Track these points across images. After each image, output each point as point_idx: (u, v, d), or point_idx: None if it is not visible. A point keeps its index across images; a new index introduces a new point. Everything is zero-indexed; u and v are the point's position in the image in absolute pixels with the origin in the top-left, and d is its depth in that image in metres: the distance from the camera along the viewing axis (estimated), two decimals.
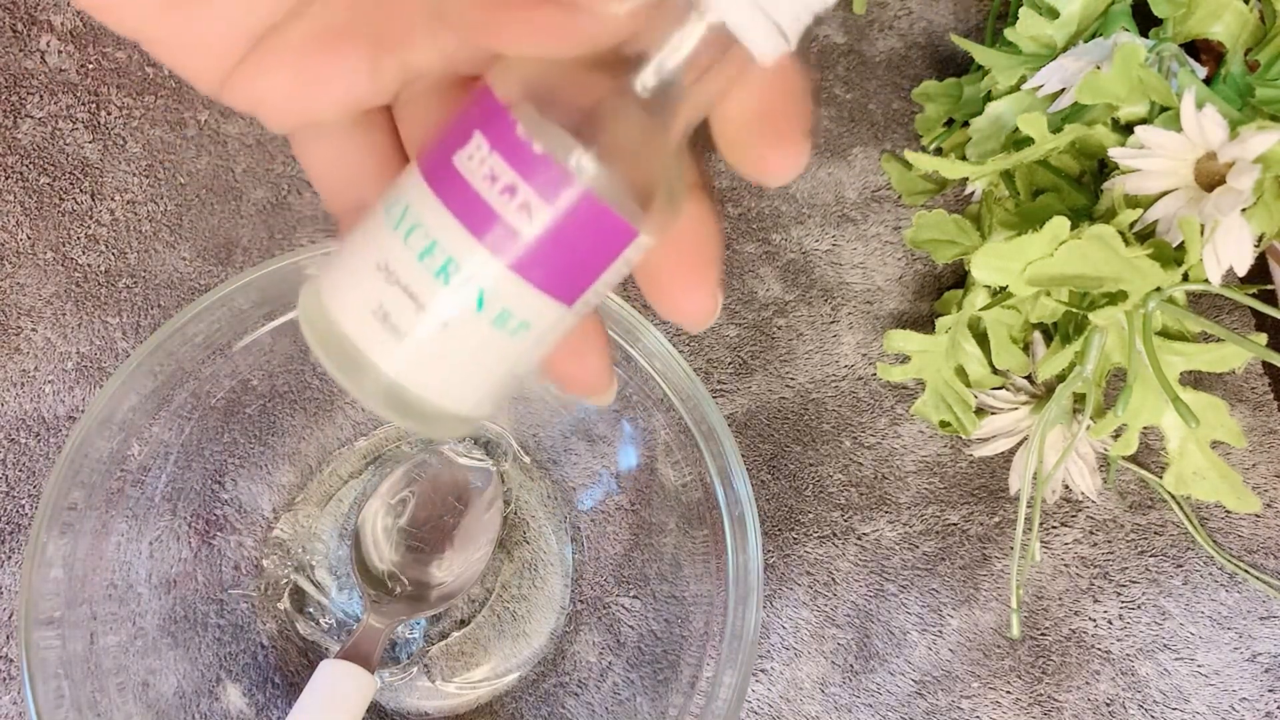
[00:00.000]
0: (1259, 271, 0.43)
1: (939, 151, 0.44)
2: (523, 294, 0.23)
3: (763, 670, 0.40)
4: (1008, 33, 0.40)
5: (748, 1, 0.21)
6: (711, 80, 0.22)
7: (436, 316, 0.23)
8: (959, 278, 0.45)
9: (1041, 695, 0.40)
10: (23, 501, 0.40)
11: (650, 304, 0.26)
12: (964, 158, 0.41)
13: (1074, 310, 0.36)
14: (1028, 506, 0.39)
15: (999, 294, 0.39)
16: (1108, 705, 0.40)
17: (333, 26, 0.26)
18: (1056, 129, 0.37)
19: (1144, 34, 0.38)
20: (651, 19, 0.22)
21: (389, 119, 0.28)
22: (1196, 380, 0.42)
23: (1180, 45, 0.38)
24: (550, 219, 0.22)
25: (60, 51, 0.44)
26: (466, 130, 0.22)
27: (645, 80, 0.22)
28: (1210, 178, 0.35)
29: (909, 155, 0.38)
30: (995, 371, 0.41)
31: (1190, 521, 0.42)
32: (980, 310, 0.40)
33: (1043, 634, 0.41)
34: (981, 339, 0.41)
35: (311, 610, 0.39)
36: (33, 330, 0.41)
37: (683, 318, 0.26)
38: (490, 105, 0.22)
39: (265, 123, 0.28)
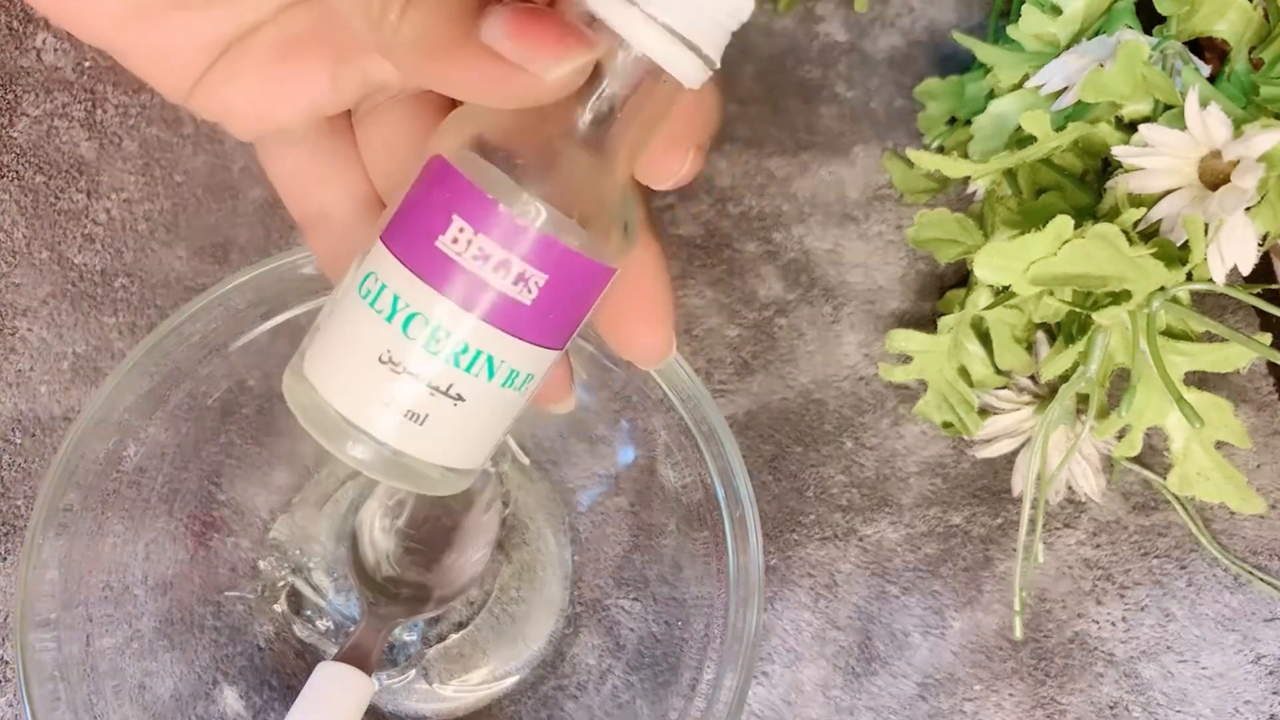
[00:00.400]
0: (1263, 271, 0.43)
1: (941, 150, 0.44)
2: (528, 353, 0.24)
3: (764, 673, 0.40)
4: (1010, 30, 0.40)
5: (664, 33, 0.22)
6: (649, 110, 0.23)
7: (453, 396, 0.24)
8: (961, 277, 0.45)
9: (1044, 698, 0.40)
10: (18, 502, 0.40)
11: (608, 341, 0.27)
12: (967, 156, 0.41)
13: (1077, 310, 0.36)
14: (1031, 508, 0.39)
15: (1002, 293, 0.38)
16: (1111, 708, 0.40)
17: (295, 37, 0.27)
18: (1059, 127, 0.37)
19: (1147, 32, 0.38)
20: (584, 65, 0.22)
21: (350, 127, 0.28)
22: (1201, 380, 0.41)
23: (1184, 43, 0.38)
24: (546, 284, 0.23)
25: (56, 49, 0.44)
26: (443, 214, 0.23)
27: (590, 122, 0.23)
28: (1214, 176, 0.34)
29: (911, 154, 0.38)
30: (998, 372, 0.41)
31: (1194, 523, 0.42)
32: (983, 310, 0.40)
33: (1046, 636, 0.41)
34: (984, 339, 0.41)
35: (309, 612, 0.39)
36: (28, 330, 0.41)
37: (640, 355, 0.27)
38: (461, 185, 0.23)
39: (232, 130, 0.28)
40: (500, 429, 0.26)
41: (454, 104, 0.25)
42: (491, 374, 0.24)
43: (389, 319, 0.23)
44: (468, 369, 0.24)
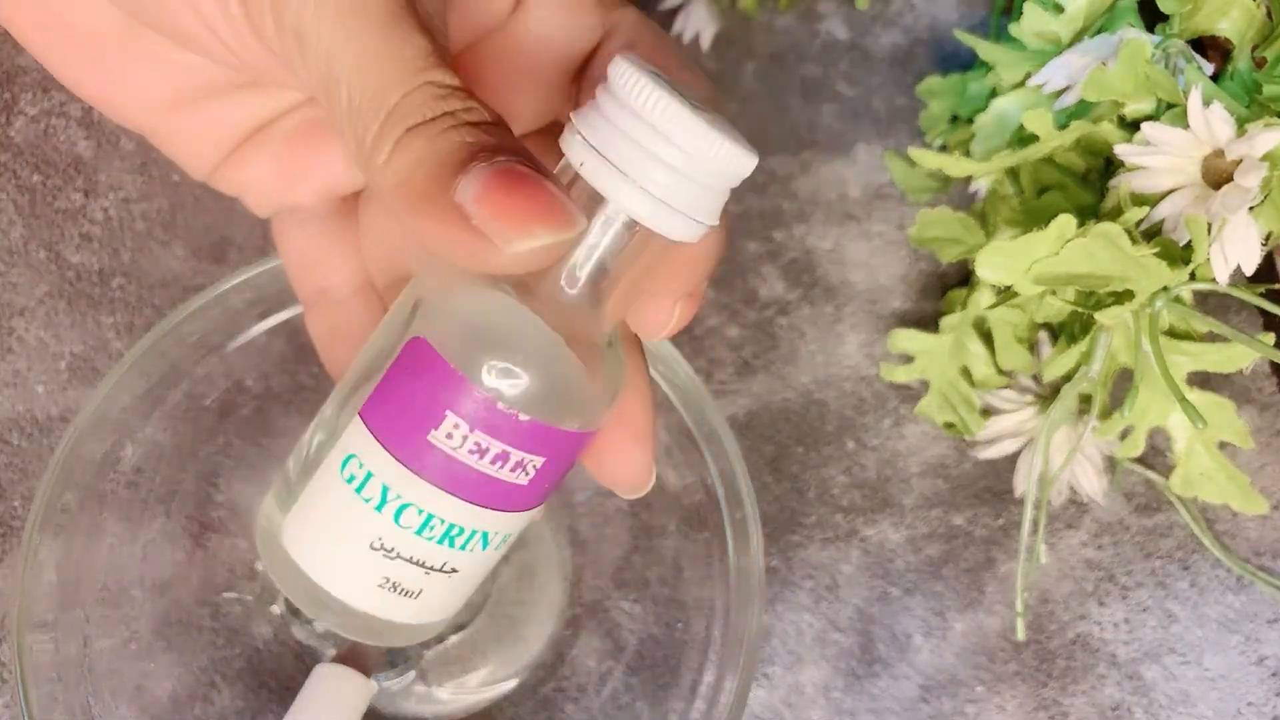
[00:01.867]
0: (1267, 270, 0.43)
1: (943, 148, 0.44)
2: (520, 520, 0.24)
3: (764, 675, 0.40)
4: (1012, 28, 0.39)
5: (652, 200, 0.21)
6: (642, 266, 0.22)
7: (447, 571, 0.24)
8: (964, 276, 0.44)
9: (1047, 699, 0.40)
10: (15, 503, 0.40)
11: (587, 468, 0.26)
12: (969, 155, 0.41)
13: (1080, 310, 0.36)
14: (1033, 509, 0.39)
15: (1004, 293, 0.38)
16: (1114, 710, 0.40)
17: (315, 121, 0.27)
18: (1062, 126, 0.37)
19: (1150, 30, 0.38)
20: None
21: (355, 202, 0.29)
22: (1203, 381, 0.41)
23: (1187, 41, 0.37)
24: (543, 464, 0.23)
25: None
26: (434, 406, 0.22)
27: (582, 282, 0.22)
28: (1217, 175, 0.34)
29: (913, 152, 0.38)
30: (1000, 372, 0.41)
31: (1197, 524, 0.42)
32: (985, 310, 0.40)
33: (1048, 638, 0.41)
34: (986, 339, 0.41)
35: (306, 614, 0.39)
36: (25, 330, 0.41)
37: (618, 485, 0.26)
38: (452, 379, 0.22)
39: (249, 206, 0.29)
40: (477, 585, 0.26)
41: None
42: (485, 545, 0.24)
43: (379, 508, 0.23)
44: (463, 548, 0.23)
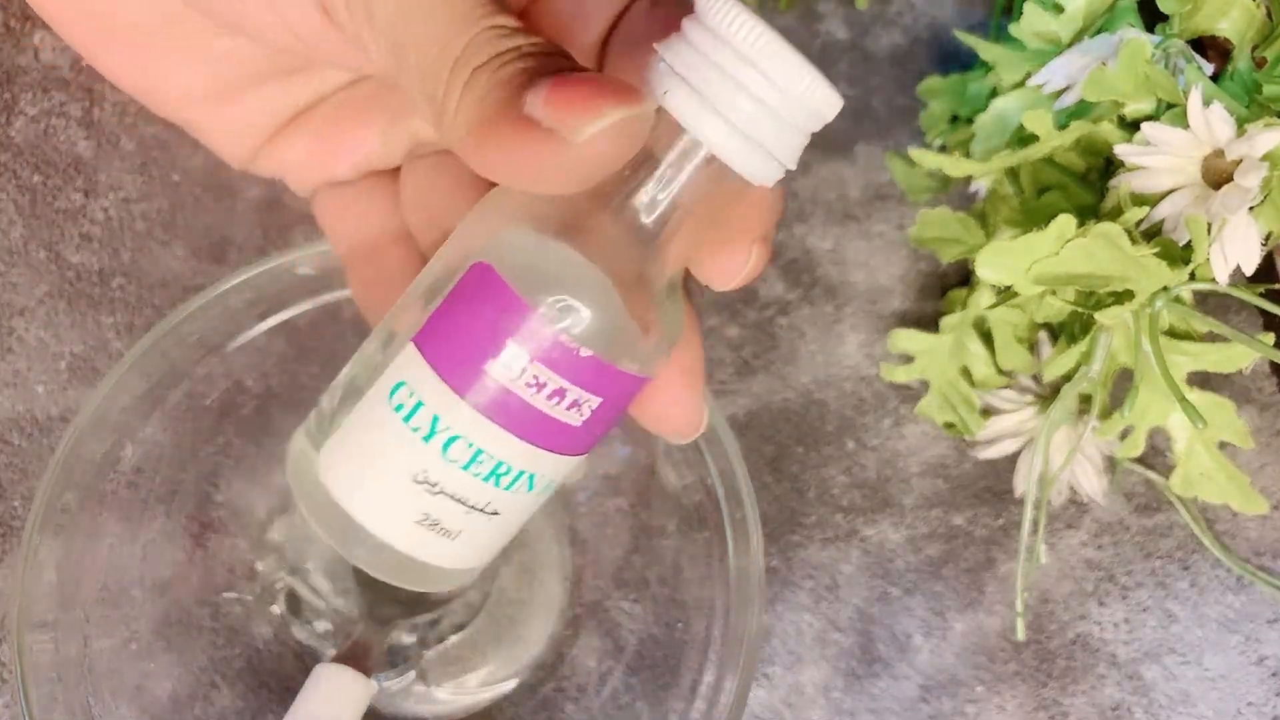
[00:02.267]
0: (1267, 270, 0.43)
1: (943, 148, 0.44)
2: (566, 464, 0.24)
3: (764, 675, 0.40)
4: (1012, 28, 0.39)
5: (737, 134, 0.20)
6: (713, 208, 0.22)
7: (490, 512, 0.23)
8: (964, 276, 0.44)
9: (1047, 700, 0.40)
10: (15, 503, 0.40)
11: (635, 415, 0.25)
12: (969, 155, 0.41)
13: (1080, 310, 0.36)
14: (1033, 509, 0.39)
15: (1004, 293, 0.38)
16: (1114, 710, 0.40)
17: (351, 102, 0.28)
18: (1062, 126, 0.37)
19: (1150, 30, 0.38)
20: (639, 156, 0.21)
21: (394, 172, 0.29)
22: (1203, 381, 0.41)
23: (1187, 41, 0.37)
24: (599, 405, 0.22)
25: (54, 48, 0.44)
26: (494, 335, 0.21)
27: (649, 221, 0.21)
28: (1217, 175, 0.34)
29: (913, 152, 0.38)
30: (1000, 372, 0.41)
31: (1197, 524, 0.42)
32: (985, 310, 0.40)
33: (1048, 638, 0.41)
34: (986, 339, 0.41)
35: (307, 614, 0.39)
36: (25, 330, 0.41)
37: (669, 429, 0.26)
38: (515, 306, 0.21)
39: (290, 185, 0.29)
40: (514, 532, 0.25)
41: None
42: (530, 488, 0.23)
43: (426, 439, 0.22)
44: (508, 487, 0.23)
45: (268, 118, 0.27)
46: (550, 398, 0.22)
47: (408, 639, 0.39)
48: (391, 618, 0.37)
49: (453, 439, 0.22)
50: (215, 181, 0.43)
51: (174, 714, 0.36)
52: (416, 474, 0.22)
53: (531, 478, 0.23)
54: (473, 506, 0.23)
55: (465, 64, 0.20)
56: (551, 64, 0.20)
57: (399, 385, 0.22)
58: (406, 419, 0.22)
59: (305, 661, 0.38)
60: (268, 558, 0.39)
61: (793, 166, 0.21)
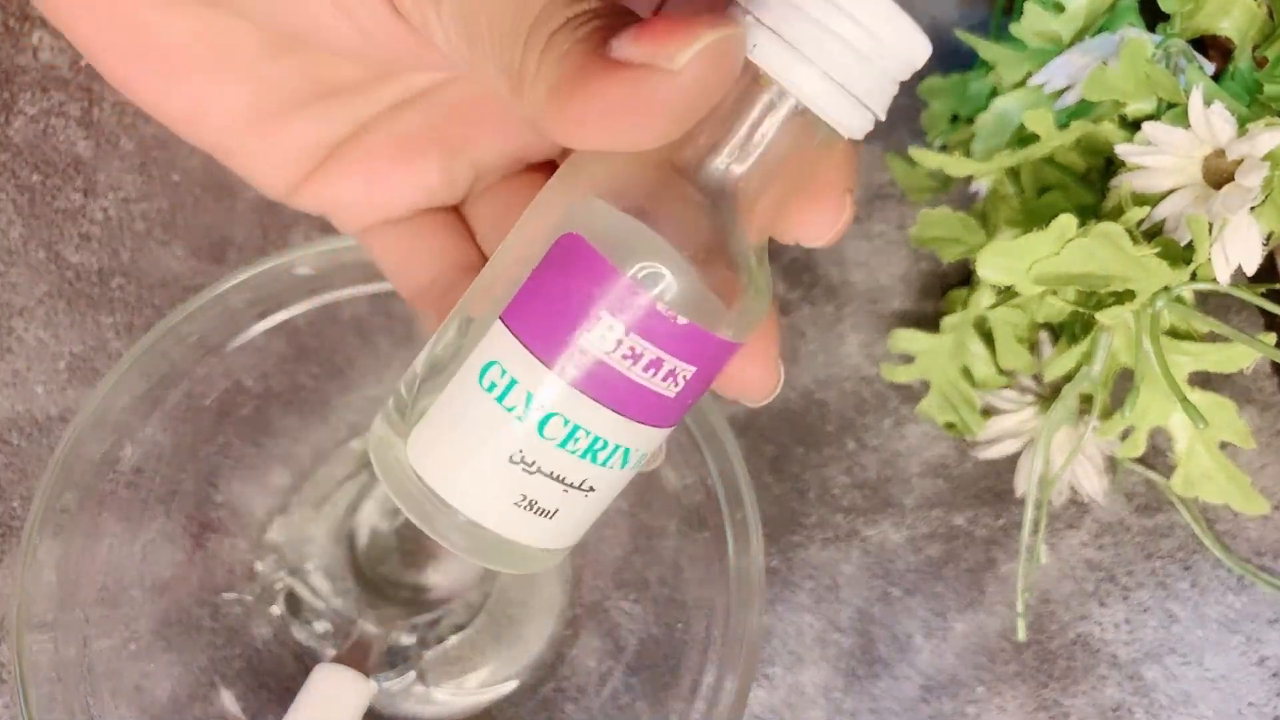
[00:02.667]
0: (1268, 270, 0.42)
1: (944, 148, 0.44)
2: (659, 437, 0.23)
3: (765, 675, 0.40)
4: (1012, 28, 0.39)
5: (829, 83, 0.19)
6: (804, 163, 0.21)
7: (586, 490, 0.23)
8: (964, 276, 0.44)
9: (1047, 700, 0.40)
10: (14, 504, 0.39)
11: (715, 387, 0.25)
12: (969, 154, 0.41)
13: (1080, 310, 0.36)
14: (1034, 509, 0.39)
15: (1005, 293, 0.38)
16: (1114, 710, 0.40)
17: (405, 135, 0.27)
18: (1062, 125, 0.37)
19: (1150, 29, 0.38)
20: (722, 112, 0.20)
21: (449, 210, 0.28)
22: (1204, 381, 0.41)
23: (1188, 41, 0.37)
24: (693, 375, 0.22)
25: (53, 47, 0.44)
26: (586, 306, 0.20)
27: (739, 177, 0.21)
28: (1218, 175, 0.34)
29: (914, 152, 0.37)
30: (1001, 372, 0.41)
31: (1198, 524, 0.41)
32: (986, 310, 0.40)
33: (1049, 638, 0.41)
34: (987, 339, 0.41)
35: (306, 615, 0.39)
36: (25, 330, 0.41)
37: (748, 393, 0.25)
38: (608, 275, 0.20)
39: (336, 224, 0.28)
40: (609, 505, 0.24)
41: None
42: (625, 463, 0.23)
43: (521, 418, 0.21)
44: (604, 463, 0.22)
45: (310, 146, 0.26)
46: (647, 369, 0.21)
47: (408, 639, 0.39)
48: (391, 618, 0.37)
49: (549, 416, 0.21)
50: (215, 181, 0.43)
51: (173, 714, 0.36)
52: (513, 454, 0.22)
53: (627, 452, 0.22)
54: (570, 484, 0.22)
55: (542, 27, 0.19)
56: (628, 21, 0.19)
57: (490, 364, 0.21)
58: (500, 398, 0.21)
59: (305, 661, 0.38)
60: (267, 558, 0.39)
61: (883, 117, 0.21)
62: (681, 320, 0.21)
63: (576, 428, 0.21)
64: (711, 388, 0.24)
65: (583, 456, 0.22)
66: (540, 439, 0.21)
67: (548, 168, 0.27)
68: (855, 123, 0.20)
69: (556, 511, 0.23)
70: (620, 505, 0.39)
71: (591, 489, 0.23)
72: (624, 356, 0.21)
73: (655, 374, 0.21)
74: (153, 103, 0.26)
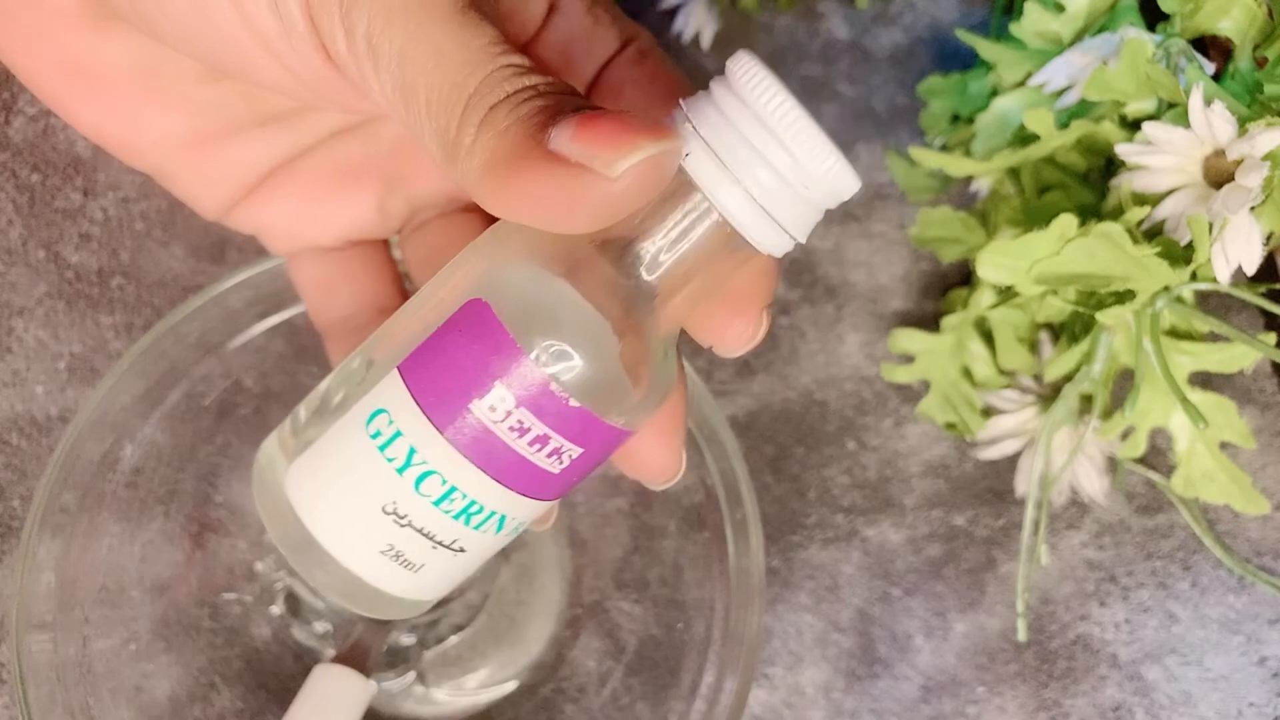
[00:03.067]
0: (1268, 270, 0.43)
1: (944, 148, 0.44)
2: (538, 508, 0.23)
3: (765, 675, 0.40)
4: (1013, 28, 0.39)
5: (753, 205, 0.20)
6: (719, 271, 0.22)
7: (456, 549, 0.23)
8: (964, 276, 0.44)
9: (1048, 700, 0.40)
10: (14, 504, 0.39)
11: (613, 461, 0.25)
12: (969, 154, 0.41)
13: (1081, 310, 0.36)
14: (1034, 509, 0.39)
15: (1005, 293, 0.38)
16: (1115, 710, 0.40)
17: (343, 163, 0.27)
18: (1063, 125, 0.37)
19: (1151, 29, 0.38)
20: (652, 208, 0.20)
21: (380, 241, 0.29)
22: (1205, 381, 0.41)
23: (1188, 41, 0.37)
24: (579, 456, 0.22)
25: None
26: (483, 375, 0.21)
27: (654, 276, 0.21)
28: (1219, 175, 0.34)
29: (914, 152, 0.38)
30: (1001, 372, 0.41)
31: (1198, 524, 0.41)
32: (986, 310, 0.40)
33: (1049, 638, 0.41)
34: (987, 339, 0.41)
35: (306, 614, 0.39)
36: (24, 330, 0.41)
37: (648, 476, 0.26)
38: (508, 349, 0.21)
39: (267, 246, 0.29)
40: (476, 568, 0.25)
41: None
42: (499, 529, 0.23)
43: (400, 470, 0.21)
44: (477, 527, 0.22)
45: (246, 170, 0.27)
46: (532, 444, 0.21)
47: (407, 640, 0.39)
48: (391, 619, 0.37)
49: (427, 474, 0.22)
50: None
51: (173, 714, 0.36)
52: (386, 504, 0.22)
53: (502, 519, 0.23)
54: (439, 542, 0.22)
55: (480, 101, 0.19)
56: (569, 103, 0.19)
57: (379, 412, 0.22)
58: (382, 448, 0.22)
59: (305, 662, 0.38)
60: (267, 558, 0.39)
61: (803, 241, 0.21)
62: (573, 403, 0.21)
63: (454, 489, 0.22)
64: (613, 465, 0.25)
65: (455, 518, 0.22)
66: (415, 494, 0.22)
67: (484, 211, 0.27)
68: (773, 243, 0.21)
69: (423, 566, 0.23)
70: (620, 505, 0.39)
71: (462, 549, 0.23)
72: (511, 429, 0.21)
73: (541, 450, 0.21)
74: (88, 125, 0.26)
